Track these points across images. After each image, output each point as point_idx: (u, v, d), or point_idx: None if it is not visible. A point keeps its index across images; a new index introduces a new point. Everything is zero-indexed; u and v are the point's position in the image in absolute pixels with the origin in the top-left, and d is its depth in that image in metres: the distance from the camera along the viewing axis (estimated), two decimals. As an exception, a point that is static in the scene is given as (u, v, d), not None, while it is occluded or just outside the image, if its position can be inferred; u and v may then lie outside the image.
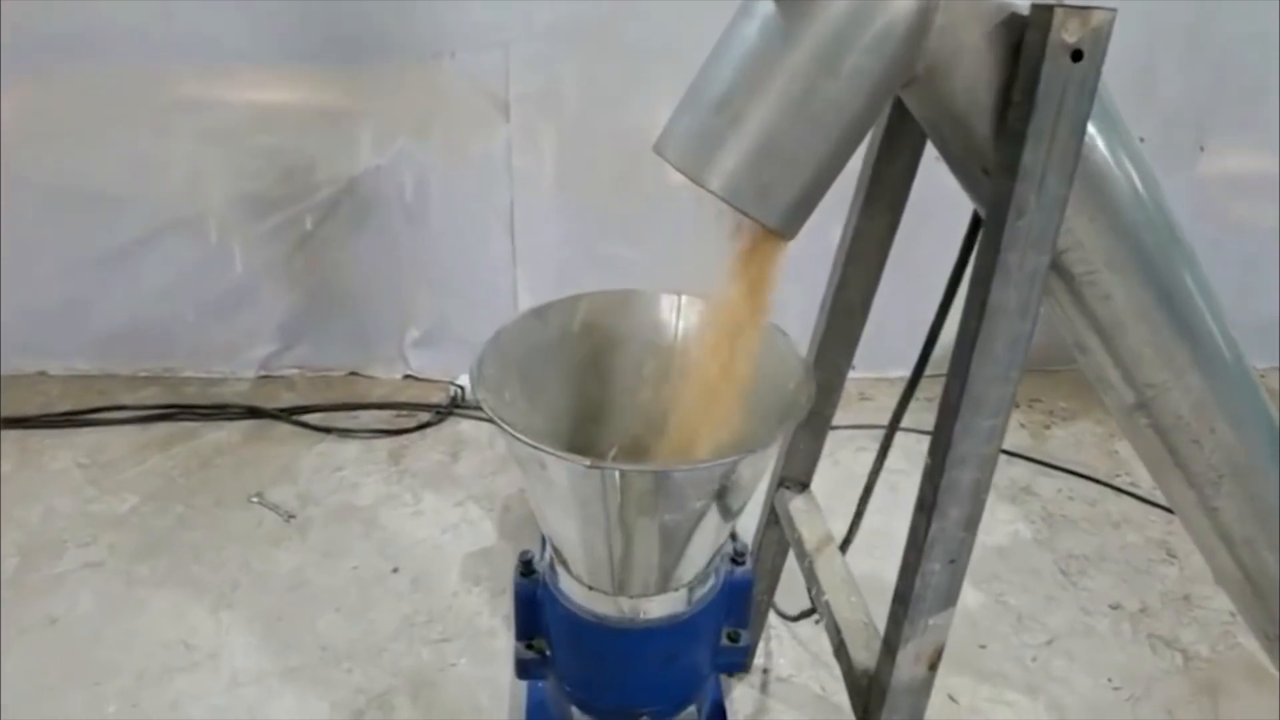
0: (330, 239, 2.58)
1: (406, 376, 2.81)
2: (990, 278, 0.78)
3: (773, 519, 1.48)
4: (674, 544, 0.90)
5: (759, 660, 1.86)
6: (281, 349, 2.75)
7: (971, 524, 0.89)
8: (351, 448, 2.48)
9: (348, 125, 2.41)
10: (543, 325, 1.03)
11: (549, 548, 1.00)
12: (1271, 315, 2.77)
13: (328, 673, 1.78)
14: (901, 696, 1.00)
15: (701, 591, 1.00)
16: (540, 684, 1.15)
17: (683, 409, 0.92)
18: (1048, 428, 2.73)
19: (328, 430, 2.53)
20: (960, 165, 0.90)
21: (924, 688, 1.01)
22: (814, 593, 1.24)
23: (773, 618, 1.95)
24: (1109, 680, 1.84)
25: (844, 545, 1.39)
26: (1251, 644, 1.93)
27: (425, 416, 2.61)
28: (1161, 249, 0.90)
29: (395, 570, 2.05)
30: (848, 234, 1.15)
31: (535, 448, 0.78)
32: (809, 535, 1.31)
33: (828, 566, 1.25)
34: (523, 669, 1.07)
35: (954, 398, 0.83)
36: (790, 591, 1.75)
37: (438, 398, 2.70)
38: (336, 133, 2.42)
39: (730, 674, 1.21)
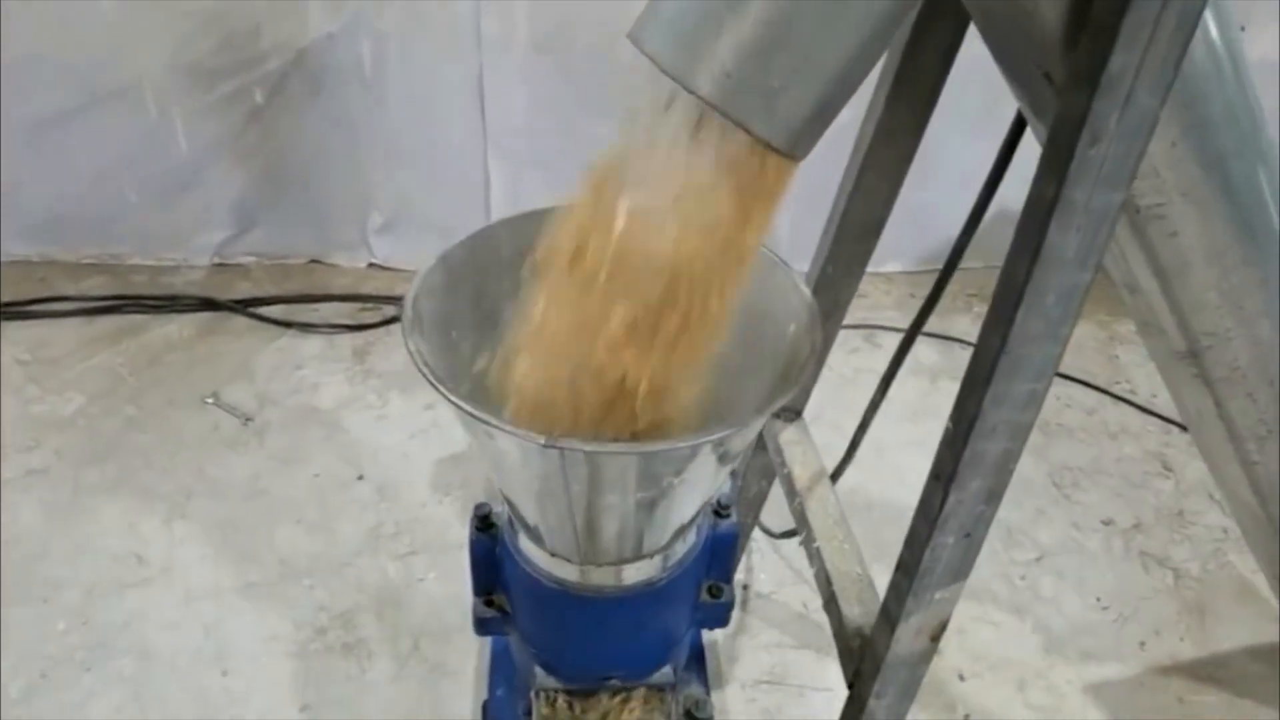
0: (283, 114, 2.34)
1: (371, 265, 2.63)
2: (1048, 218, 0.62)
3: (761, 446, 1.36)
4: (649, 516, 0.78)
5: (739, 576, 1.79)
6: (236, 234, 2.55)
7: (994, 496, 0.77)
8: (312, 344, 2.33)
9: (293, -16, 2.14)
10: (499, 247, 0.87)
11: (506, 506, 0.88)
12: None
13: (288, 589, 1.70)
14: (898, 669, 0.91)
15: (680, 554, 0.89)
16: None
17: (662, 355, 0.77)
18: (1047, 329, 2.61)
19: (287, 324, 2.37)
20: (1013, 64, 0.73)
21: (924, 659, 0.92)
22: (804, 536, 1.14)
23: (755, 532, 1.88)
24: (1097, 600, 1.79)
25: (835, 475, 1.28)
26: (1243, 563, 1.89)
27: (391, 310, 2.45)
28: (1250, 177, 0.74)
29: (360, 478, 1.95)
30: (866, 133, 0.97)
31: (481, 420, 0.64)
32: (800, 473, 1.19)
33: (820, 509, 1.14)
34: (482, 626, 0.98)
35: (989, 358, 0.68)
36: (773, 506, 1.66)
37: (404, 289, 2.51)
38: (281, -8, 2.14)
39: (710, 629, 1.12)
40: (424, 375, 0.67)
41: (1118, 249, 0.80)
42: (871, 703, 0.94)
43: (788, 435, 1.26)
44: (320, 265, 2.62)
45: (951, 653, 1.68)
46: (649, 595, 0.87)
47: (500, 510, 0.93)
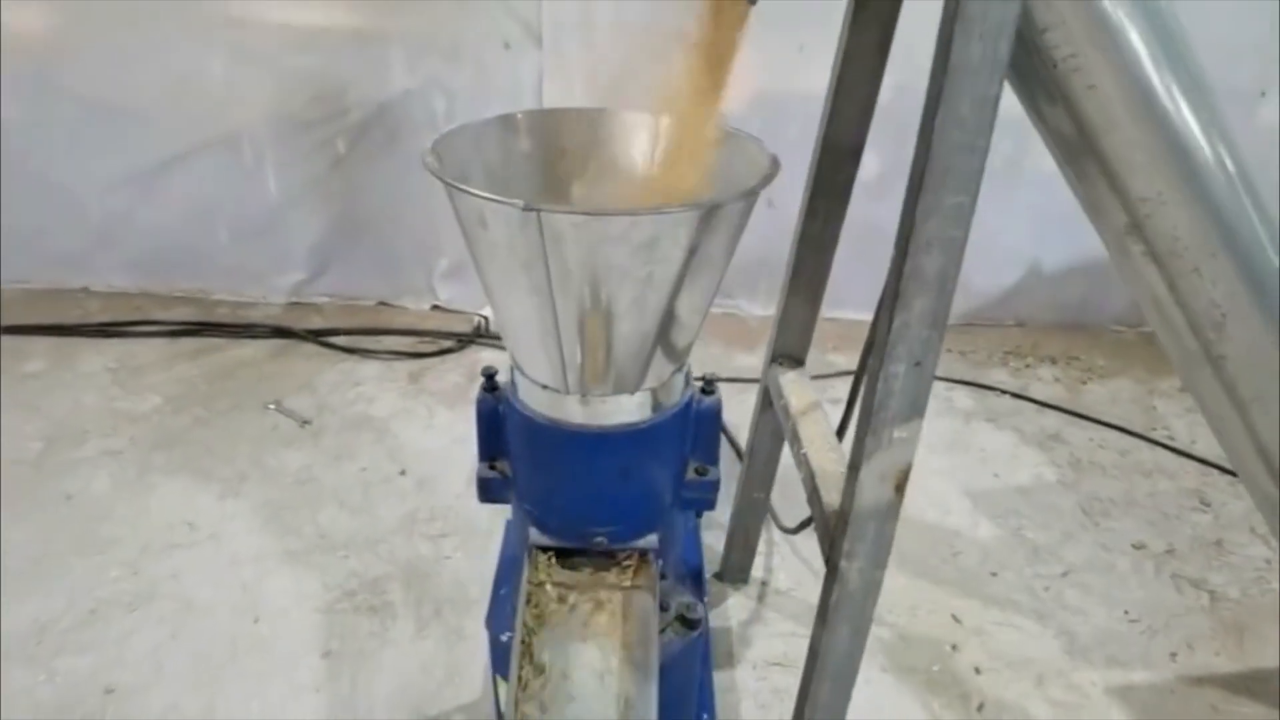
0: (362, 163, 2.62)
1: (434, 307, 2.83)
2: (950, 31, 0.74)
3: (766, 402, 1.44)
4: (627, 322, 0.87)
5: (758, 573, 1.81)
6: (312, 276, 2.80)
7: (938, 321, 0.85)
8: (372, 367, 2.51)
9: (379, 47, 2.45)
10: (512, 131, 1.02)
11: (510, 356, 0.99)
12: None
13: (324, 558, 1.79)
14: (866, 522, 0.96)
15: (665, 403, 0.97)
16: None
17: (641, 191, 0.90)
18: (1084, 383, 2.62)
19: (351, 351, 2.57)
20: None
21: (890, 512, 0.96)
22: (795, 449, 1.20)
23: (776, 534, 1.90)
24: (1125, 613, 1.75)
25: (840, 431, 1.34)
26: (1287, 588, 1.82)
27: (448, 344, 2.63)
28: (1162, 33, 0.83)
29: (402, 473, 2.06)
30: (838, 60, 1.11)
31: (469, 193, 0.76)
32: (796, 403, 1.27)
33: (811, 425, 1.21)
34: (484, 489, 1.06)
35: (918, 170, 0.79)
36: (790, 506, 1.70)
37: (462, 327, 2.71)
38: (368, 54, 2.45)
39: (699, 512, 1.18)
40: (426, 164, 0.81)
41: (1050, 123, 0.90)
42: (843, 564, 0.98)
43: (788, 378, 1.35)
44: (388, 306, 2.84)
45: (971, 650, 1.65)
46: (634, 436, 0.95)
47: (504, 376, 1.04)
